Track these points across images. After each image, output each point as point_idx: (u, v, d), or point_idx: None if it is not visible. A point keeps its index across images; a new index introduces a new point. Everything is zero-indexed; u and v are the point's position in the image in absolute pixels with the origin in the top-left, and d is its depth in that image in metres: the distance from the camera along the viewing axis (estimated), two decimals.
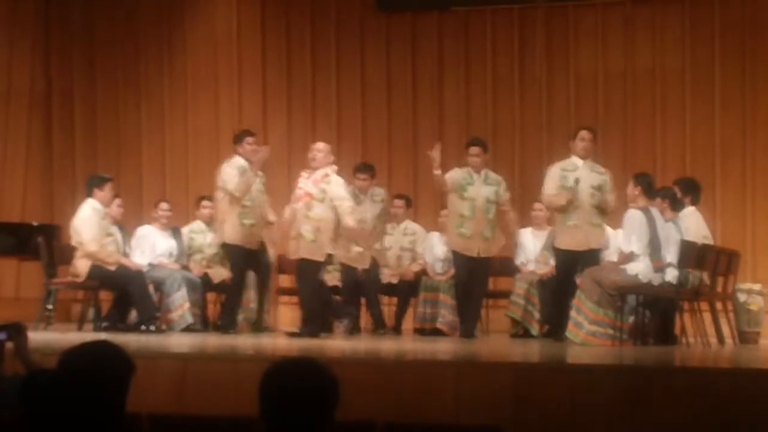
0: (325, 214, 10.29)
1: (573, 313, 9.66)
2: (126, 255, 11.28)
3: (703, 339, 9.83)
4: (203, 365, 7.39)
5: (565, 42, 13.45)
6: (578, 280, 9.94)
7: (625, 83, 13.23)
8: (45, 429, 3.43)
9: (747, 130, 12.83)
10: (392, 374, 7.01)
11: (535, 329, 11.32)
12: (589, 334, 9.48)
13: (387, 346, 9.86)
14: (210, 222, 11.85)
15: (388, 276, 11.84)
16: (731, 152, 12.85)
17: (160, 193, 13.72)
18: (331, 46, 14.15)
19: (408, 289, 11.84)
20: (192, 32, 14.62)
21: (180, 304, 11.24)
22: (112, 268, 10.92)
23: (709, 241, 10.51)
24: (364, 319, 11.84)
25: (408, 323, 11.84)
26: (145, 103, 14.69)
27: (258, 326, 11.14)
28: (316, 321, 10.46)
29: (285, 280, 12.49)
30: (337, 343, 9.76)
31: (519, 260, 11.76)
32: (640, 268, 9.55)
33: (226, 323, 10.81)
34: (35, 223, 12.70)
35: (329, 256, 10.51)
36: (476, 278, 10.81)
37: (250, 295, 11.71)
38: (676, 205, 10.14)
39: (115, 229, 11.31)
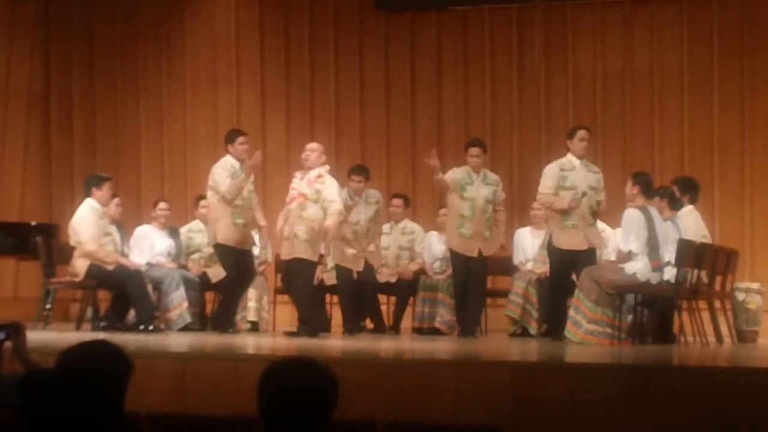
0: (319, 214, 10.31)
1: (571, 312, 9.67)
2: (124, 254, 11.28)
3: (702, 338, 9.83)
4: (202, 365, 7.38)
5: (563, 41, 13.45)
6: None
7: (623, 83, 13.23)
8: (44, 429, 3.43)
9: (745, 129, 12.83)
10: (391, 374, 7.01)
11: (533, 328, 11.33)
12: (587, 333, 9.48)
13: (386, 345, 9.87)
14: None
15: (386, 275, 11.84)
16: (730, 151, 12.85)
17: (159, 193, 13.72)
18: (330, 46, 14.15)
19: (406, 288, 11.84)
20: (191, 32, 14.62)
21: (178, 303, 11.24)
22: (111, 267, 10.92)
23: (708, 240, 10.53)
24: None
25: (407, 322, 11.84)
26: (143, 103, 14.69)
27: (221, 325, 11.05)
28: (313, 321, 10.47)
29: None
30: (336, 343, 9.76)
31: (517, 259, 11.76)
32: (638, 267, 9.56)
33: (223, 322, 10.81)
34: (34, 223, 12.69)
35: (321, 256, 10.54)
36: (475, 277, 10.85)
37: (249, 294, 11.72)
38: (675, 204, 10.14)
39: (113, 229, 11.31)
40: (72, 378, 3.37)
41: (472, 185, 10.82)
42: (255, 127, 14.23)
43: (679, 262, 9.60)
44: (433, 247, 11.91)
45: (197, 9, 14.67)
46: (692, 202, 10.53)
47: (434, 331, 11.47)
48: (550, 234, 10.64)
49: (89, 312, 11.51)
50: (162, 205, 11.97)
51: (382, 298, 12.00)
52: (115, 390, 3.40)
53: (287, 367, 3.28)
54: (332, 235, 10.41)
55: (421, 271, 11.88)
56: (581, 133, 10.58)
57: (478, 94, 13.66)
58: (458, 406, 6.60)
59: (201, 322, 11.47)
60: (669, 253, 9.62)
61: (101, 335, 9.62)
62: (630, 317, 9.69)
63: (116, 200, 11.52)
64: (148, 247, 11.62)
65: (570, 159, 10.51)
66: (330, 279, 11.49)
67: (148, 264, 11.44)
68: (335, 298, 11.65)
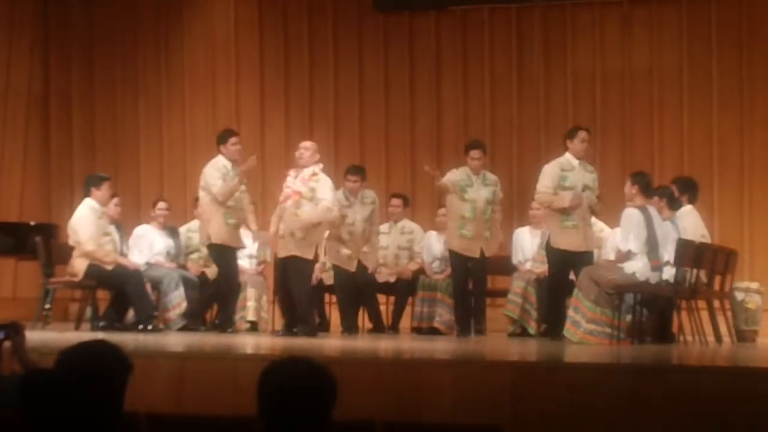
0: (314, 213, 10.33)
1: (570, 312, 9.66)
2: (123, 254, 11.28)
3: (701, 337, 9.83)
4: (201, 364, 7.38)
5: (562, 41, 13.45)
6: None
7: (622, 82, 13.23)
8: (43, 429, 3.43)
9: (745, 128, 12.83)
10: (390, 374, 7.01)
11: (532, 328, 11.33)
12: (586, 333, 9.48)
13: (385, 345, 9.87)
14: None
15: (385, 275, 11.85)
16: (729, 151, 12.85)
17: (158, 193, 13.72)
18: (329, 44, 14.15)
19: (405, 288, 11.85)
20: (190, 30, 14.63)
21: (177, 303, 11.24)
22: (110, 267, 10.92)
23: (707, 240, 10.53)
24: (363, 319, 11.84)
25: (406, 322, 11.84)
26: (142, 102, 14.69)
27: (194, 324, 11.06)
28: (311, 320, 10.49)
29: None
30: (335, 343, 9.76)
31: (516, 259, 11.77)
32: (637, 267, 9.55)
33: (223, 322, 10.83)
34: (33, 223, 12.70)
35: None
36: (478, 278, 10.92)
37: (248, 294, 11.73)
38: (674, 204, 10.14)
39: (112, 229, 11.31)
40: (71, 378, 3.37)
41: (472, 187, 10.86)
42: (254, 125, 14.25)
43: (679, 262, 9.60)
44: (432, 246, 11.91)
45: (196, 7, 14.67)
46: (691, 201, 10.53)
47: (433, 331, 11.47)
48: (548, 234, 10.63)
49: (88, 312, 11.51)
50: (161, 204, 11.98)
51: (381, 298, 12.00)
52: (114, 390, 3.40)
53: (286, 367, 3.28)
54: (307, 224, 10.37)
55: (420, 271, 11.89)
56: (582, 134, 10.58)
57: (478, 93, 13.66)
58: (457, 406, 6.60)
59: (200, 322, 11.45)
60: (668, 253, 9.62)
61: (100, 335, 9.62)
62: (629, 317, 9.69)
63: (115, 200, 11.52)
64: (148, 246, 11.62)
65: (569, 159, 10.51)
66: (329, 279, 11.50)
67: (147, 264, 11.44)
68: (334, 298, 11.66)
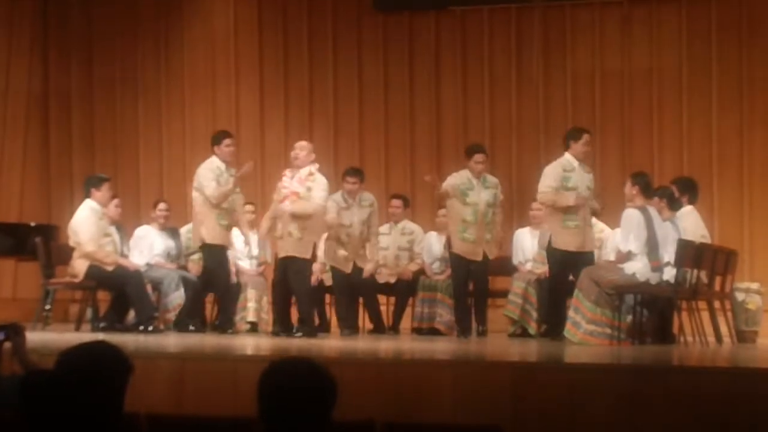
0: (307, 205, 10.36)
1: (571, 313, 9.66)
2: (124, 255, 11.28)
3: (701, 338, 9.83)
4: (201, 365, 7.39)
5: (562, 41, 13.44)
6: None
7: (622, 82, 13.23)
8: (43, 429, 3.43)
9: (744, 128, 12.83)
10: (391, 374, 7.01)
11: (533, 329, 11.33)
12: (587, 334, 9.48)
13: (385, 345, 9.87)
14: None
15: (386, 276, 11.85)
16: (729, 151, 12.85)
17: (158, 193, 13.71)
18: (328, 44, 14.15)
19: (406, 288, 11.85)
20: (189, 29, 14.62)
21: (178, 304, 11.23)
22: (110, 268, 10.92)
23: (707, 240, 10.52)
24: (364, 319, 11.85)
25: (406, 323, 11.84)
26: (142, 102, 14.69)
27: (184, 324, 11.01)
28: (312, 321, 10.50)
29: None
30: (335, 343, 9.76)
31: (517, 260, 11.76)
32: (637, 267, 9.55)
33: (223, 323, 10.87)
34: (33, 224, 12.68)
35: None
36: (477, 280, 10.96)
37: (248, 295, 11.74)
38: (674, 205, 10.14)
39: (112, 230, 11.31)
40: (71, 379, 3.37)
41: (473, 190, 10.89)
42: (254, 124, 14.25)
43: (679, 263, 9.59)
44: (433, 247, 11.91)
45: (196, 7, 14.68)
46: (691, 202, 10.53)
47: (433, 332, 11.47)
48: (548, 234, 10.62)
49: (89, 313, 11.52)
50: (161, 205, 11.98)
51: (382, 299, 12.00)
52: (115, 391, 3.40)
53: (286, 367, 3.28)
54: (300, 216, 10.38)
55: (421, 272, 11.89)
56: (587, 136, 10.59)
57: (477, 94, 13.66)
58: (457, 407, 6.60)
59: (200, 323, 11.45)
60: (668, 254, 9.62)
61: (100, 336, 9.61)
62: (629, 317, 9.69)
63: (115, 201, 11.53)
64: (148, 247, 11.62)
65: (569, 160, 10.50)
66: (329, 279, 11.50)
67: (148, 264, 11.44)
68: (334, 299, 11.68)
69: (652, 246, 9.58)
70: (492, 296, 11.70)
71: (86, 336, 9.90)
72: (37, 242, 11.52)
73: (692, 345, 9.69)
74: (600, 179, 11.44)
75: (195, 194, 10.90)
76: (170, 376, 7.17)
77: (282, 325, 10.41)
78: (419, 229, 12.17)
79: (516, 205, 12.89)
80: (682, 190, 10.46)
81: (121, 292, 10.96)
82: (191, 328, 10.88)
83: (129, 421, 4.10)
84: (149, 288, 11.20)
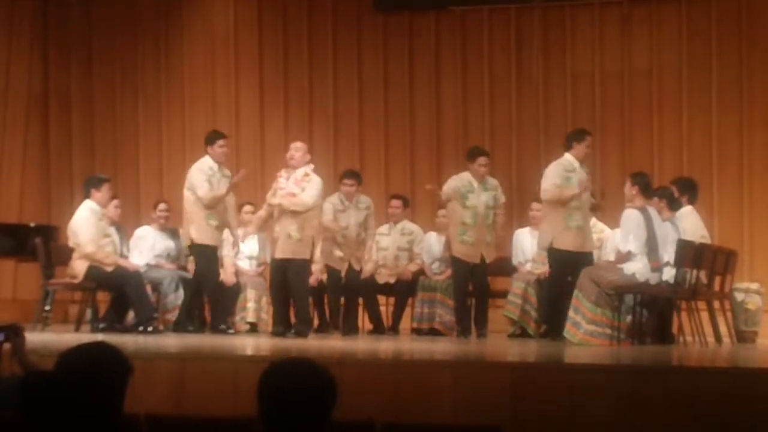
0: (308, 213, 10.37)
1: (571, 313, 9.65)
2: (123, 256, 11.28)
3: (701, 338, 9.83)
4: (201, 366, 7.38)
5: (561, 41, 13.44)
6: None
7: (622, 82, 13.22)
8: (43, 430, 3.43)
9: (744, 128, 12.83)
10: (390, 374, 7.01)
11: (532, 329, 11.33)
12: (586, 334, 9.48)
13: (385, 346, 9.87)
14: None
15: (385, 276, 11.86)
16: (729, 151, 12.85)
17: (158, 193, 13.71)
18: (328, 43, 14.15)
19: (405, 289, 11.85)
20: (189, 29, 14.63)
21: (177, 304, 11.23)
22: (110, 268, 10.92)
23: (707, 241, 10.53)
24: (363, 320, 11.85)
25: (405, 323, 11.84)
26: (142, 101, 14.69)
27: (183, 326, 11.00)
28: (308, 321, 10.53)
29: None
30: (335, 344, 9.77)
31: (516, 260, 11.76)
32: (637, 268, 9.55)
33: (215, 323, 10.88)
34: (33, 224, 12.69)
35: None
36: (477, 282, 11.01)
37: (248, 295, 11.74)
38: (674, 205, 10.14)
39: (112, 230, 11.31)
40: (71, 380, 3.37)
41: (473, 193, 10.93)
42: (254, 123, 14.26)
43: (678, 263, 9.60)
44: (432, 247, 11.91)
45: (196, 5, 14.68)
46: (691, 202, 10.53)
47: (433, 332, 11.48)
48: (550, 235, 10.60)
49: (88, 313, 11.51)
50: (162, 206, 11.98)
51: (381, 299, 12.00)
52: (115, 391, 3.40)
53: (286, 367, 3.28)
54: (293, 208, 10.44)
55: (420, 272, 11.89)
56: (590, 138, 10.62)
57: (477, 94, 13.66)
58: (457, 407, 6.60)
59: (200, 323, 11.45)
60: (668, 254, 9.62)
61: (100, 337, 9.62)
62: (629, 318, 9.69)
63: (115, 202, 11.53)
64: (148, 248, 11.62)
65: (570, 161, 10.49)
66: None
67: (148, 265, 11.44)
68: None
69: (651, 246, 9.58)
70: (492, 296, 11.71)
71: (86, 337, 9.90)
72: (36, 243, 11.52)
73: (692, 345, 9.70)
74: (600, 179, 11.45)
75: (186, 193, 10.92)
76: (170, 376, 7.17)
77: (283, 326, 10.41)
78: (419, 230, 12.17)
79: (516, 205, 12.89)
80: (681, 190, 10.47)
81: (121, 293, 10.96)
82: (190, 328, 10.89)
83: (129, 422, 4.10)
84: (149, 289, 11.20)
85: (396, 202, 12.22)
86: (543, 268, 11.23)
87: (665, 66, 13.11)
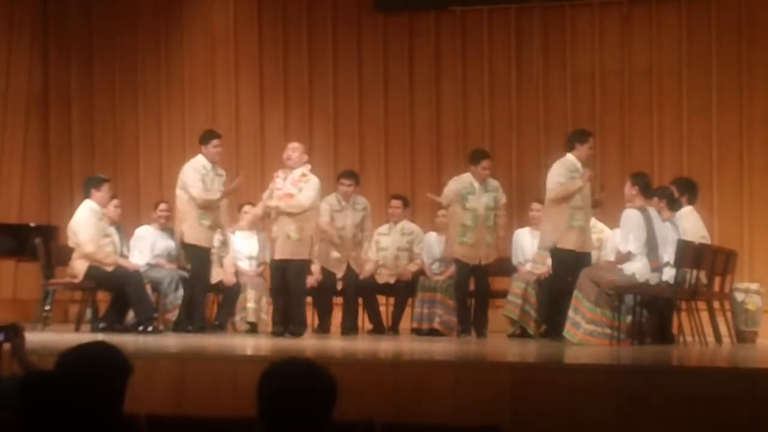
0: (307, 213, 10.38)
1: (570, 313, 9.65)
2: (123, 256, 11.28)
3: (701, 338, 9.84)
4: (201, 366, 7.38)
5: (561, 41, 13.44)
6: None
7: (622, 82, 13.22)
8: (43, 430, 3.43)
9: (744, 128, 12.83)
10: (390, 374, 7.01)
11: (532, 329, 11.33)
12: (586, 334, 9.48)
13: (385, 346, 9.87)
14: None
15: (385, 276, 11.86)
16: (728, 151, 12.85)
17: (158, 193, 13.70)
18: (328, 43, 14.15)
19: (405, 289, 11.85)
20: (189, 27, 14.63)
21: (177, 304, 11.23)
22: (110, 268, 10.92)
23: (707, 241, 10.53)
24: (363, 320, 11.86)
25: (405, 323, 11.84)
26: (142, 101, 14.69)
27: (183, 326, 10.97)
28: (304, 321, 10.54)
29: None
30: (335, 344, 9.77)
31: (516, 260, 11.76)
32: (637, 268, 9.55)
33: (183, 321, 10.84)
34: (33, 224, 12.70)
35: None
36: (477, 283, 11.02)
37: (248, 295, 11.73)
38: (674, 205, 10.14)
39: (112, 230, 11.31)
40: (71, 379, 3.37)
41: (474, 194, 10.96)
42: (253, 121, 14.26)
43: (678, 263, 9.60)
44: (432, 247, 11.91)
45: (195, 4, 14.68)
46: (691, 202, 10.53)
47: (433, 332, 11.47)
48: (553, 235, 10.58)
49: (88, 313, 11.52)
50: (162, 206, 11.99)
51: (381, 299, 12.00)
52: (114, 391, 3.40)
53: (286, 368, 3.28)
54: (265, 208, 10.54)
55: (420, 272, 11.89)
56: (592, 140, 10.62)
57: (477, 94, 13.65)
58: (457, 407, 6.60)
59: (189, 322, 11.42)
60: (668, 254, 9.62)
61: (100, 336, 9.62)
62: (629, 318, 9.69)
63: (115, 201, 11.53)
64: (148, 248, 11.62)
65: (573, 161, 10.48)
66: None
67: (148, 265, 11.44)
68: (336, 300, 11.68)
69: (651, 246, 9.58)
70: (491, 297, 11.71)
71: (86, 336, 9.90)
72: (37, 243, 11.52)
73: (692, 345, 9.70)
74: (600, 179, 11.44)
75: (179, 192, 10.94)
76: (170, 376, 7.16)
77: (283, 326, 10.41)
78: (419, 230, 12.17)
79: (516, 205, 12.88)
80: (681, 190, 10.47)
81: (121, 293, 10.96)
82: (190, 328, 10.89)
83: (129, 422, 4.10)
84: (149, 288, 11.20)
85: (396, 202, 12.23)
86: (543, 268, 11.23)
87: (665, 65, 13.11)
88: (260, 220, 11.15)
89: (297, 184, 10.44)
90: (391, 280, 11.88)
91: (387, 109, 13.92)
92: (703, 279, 10.17)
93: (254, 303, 11.77)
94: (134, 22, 14.72)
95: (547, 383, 6.60)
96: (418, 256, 11.99)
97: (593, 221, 11.01)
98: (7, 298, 13.78)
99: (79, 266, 10.95)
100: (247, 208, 12.00)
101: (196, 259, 10.93)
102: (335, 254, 11.21)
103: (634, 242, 9.54)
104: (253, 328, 11.68)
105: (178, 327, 10.88)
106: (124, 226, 11.72)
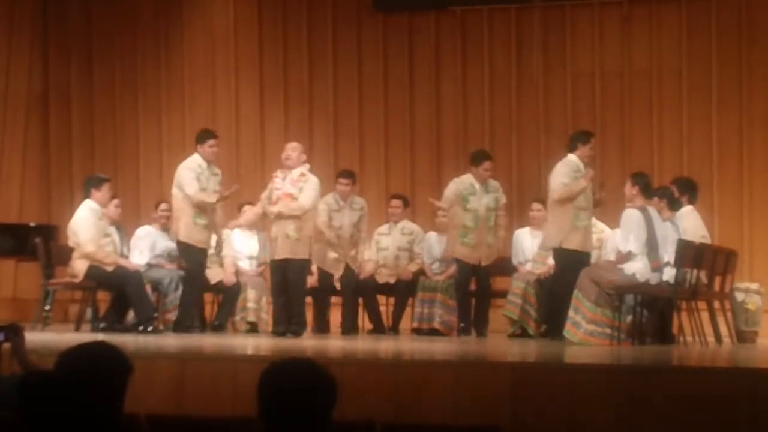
0: (306, 213, 10.39)
1: (571, 313, 9.65)
2: (124, 255, 11.28)
3: (701, 338, 9.83)
4: (201, 366, 7.38)
5: (562, 41, 13.44)
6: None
7: (622, 82, 13.22)
8: (43, 430, 3.43)
9: (744, 128, 12.82)
10: (391, 374, 7.01)
11: (532, 329, 11.33)
12: (587, 334, 9.48)
13: (385, 346, 9.87)
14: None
15: (385, 276, 11.86)
16: (729, 151, 12.84)
17: (158, 193, 13.69)
18: (328, 42, 14.14)
19: (405, 289, 11.85)
20: (189, 27, 14.62)
21: (177, 304, 11.22)
22: (110, 268, 10.92)
23: (707, 241, 10.53)
24: (363, 319, 11.86)
25: (406, 323, 11.85)
26: (142, 100, 14.68)
27: (182, 326, 10.97)
28: (304, 321, 10.56)
29: None
30: (335, 344, 9.77)
31: (516, 260, 11.76)
32: (637, 268, 9.55)
33: (179, 321, 10.83)
34: (33, 224, 12.69)
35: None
36: (478, 284, 11.05)
37: (248, 295, 11.73)
38: (674, 205, 10.14)
39: (112, 230, 11.31)
40: (71, 379, 3.37)
41: (475, 195, 10.98)
42: (253, 120, 14.26)
43: (679, 263, 9.60)
44: (432, 247, 11.91)
45: (195, 4, 14.68)
46: (691, 202, 10.54)
47: (433, 332, 11.47)
48: (559, 235, 10.56)
49: (88, 313, 11.52)
50: (163, 206, 11.98)
51: (381, 299, 12.00)
52: (115, 391, 3.40)
53: (286, 368, 3.28)
54: (256, 211, 10.68)
55: (420, 272, 11.89)
56: (594, 141, 10.63)
57: (477, 94, 13.65)
58: (457, 407, 6.60)
59: (200, 323, 11.45)
60: (668, 254, 9.62)
61: (100, 336, 9.62)
62: (629, 318, 9.69)
63: (115, 201, 11.53)
64: (148, 248, 11.62)
65: (576, 162, 10.47)
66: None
67: (148, 265, 11.44)
68: (334, 300, 11.68)
69: (652, 246, 9.58)
70: (492, 296, 11.71)
71: (86, 336, 9.90)
72: (37, 243, 11.52)
73: (692, 345, 9.70)
74: (600, 179, 11.43)
75: (174, 191, 10.96)
76: (170, 376, 7.16)
77: (283, 326, 10.41)
78: (419, 230, 12.17)
79: (516, 205, 12.88)
80: (682, 190, 10.47)
81: (121, 293, 10.96)
82: (195, 326, 10.87)
83: (129, 422, 4.10)
84: (149, 288, 11.20)
85: (396, 202, 12.23)
86: (543, 268, 11.24)
87: (665, 65, 13.11)
88: (260, 219, 11.14)
89: (296, 184, 10.44)
90: (392, 280, 11.88)
91: (387, 109, 13.91)
92: (704, 279, 10.17)
93: (254, 303, 11.77)
94: (134, 22, 14.72)
95: (548, 383, 6.60)
96: (418, 256, 11.99)
97: (593, 221, 11.00)
98: (7, 297, 13.78)
99: (79, 266, 10.95)
100: (246, 208, 12.00)
101: (190, 258, 10.93)
102: (332, 254, 11.21)
103: (634, 242, 9.54)
104: (253, 328, 11.68)
105: (178, 327, 10.88)
106: (125, 226, 11.72)
